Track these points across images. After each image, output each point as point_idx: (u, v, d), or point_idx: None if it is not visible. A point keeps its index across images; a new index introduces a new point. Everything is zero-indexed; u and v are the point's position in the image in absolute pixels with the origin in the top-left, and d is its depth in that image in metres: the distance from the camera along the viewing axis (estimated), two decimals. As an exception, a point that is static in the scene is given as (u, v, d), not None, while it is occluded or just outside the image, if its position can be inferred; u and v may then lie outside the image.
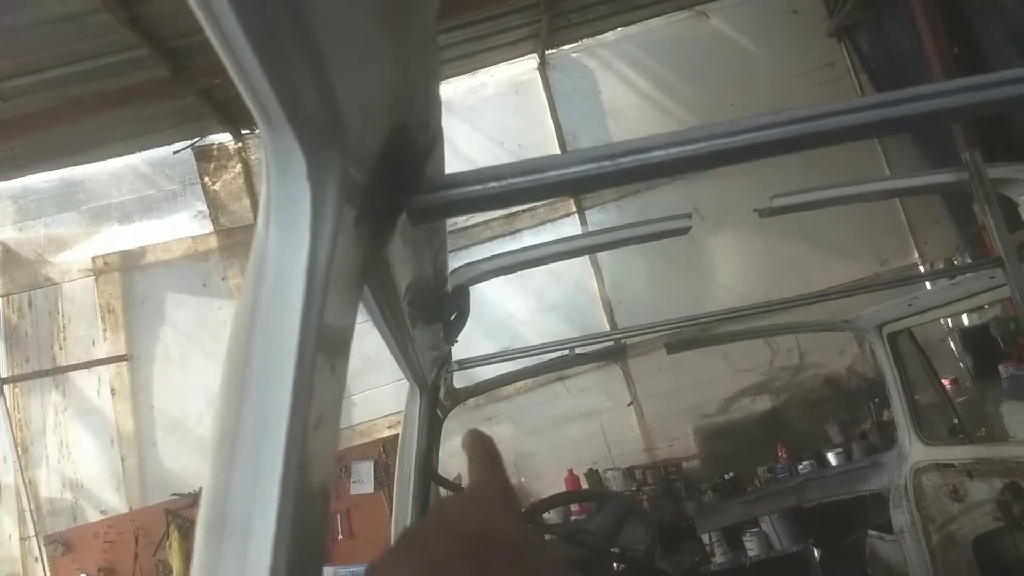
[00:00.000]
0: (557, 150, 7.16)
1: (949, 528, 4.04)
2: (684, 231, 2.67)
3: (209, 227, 7.60)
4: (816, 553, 5.68)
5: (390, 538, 3.01)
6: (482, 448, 0.68)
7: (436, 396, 2.81)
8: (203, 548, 0.58)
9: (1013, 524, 3.51)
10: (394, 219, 0.88)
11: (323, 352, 0.65)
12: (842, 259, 6.67)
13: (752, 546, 6.00)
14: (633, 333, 4.60)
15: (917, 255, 7.14)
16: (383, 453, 6.81)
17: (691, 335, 4.95)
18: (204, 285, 7.54)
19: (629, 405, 6.99)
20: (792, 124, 0.88)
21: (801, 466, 6.25)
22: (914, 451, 4.05)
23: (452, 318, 1.90)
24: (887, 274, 6.61)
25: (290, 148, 0.61)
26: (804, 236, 6.75)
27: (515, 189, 0.88)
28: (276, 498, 0.58)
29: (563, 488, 6.23)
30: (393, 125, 0.77)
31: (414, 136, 0.84)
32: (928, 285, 5.99)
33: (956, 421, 4.25)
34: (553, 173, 0.86)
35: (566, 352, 4.30)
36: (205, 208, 7.63)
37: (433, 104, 0.88)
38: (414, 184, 0.88)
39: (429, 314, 1.72)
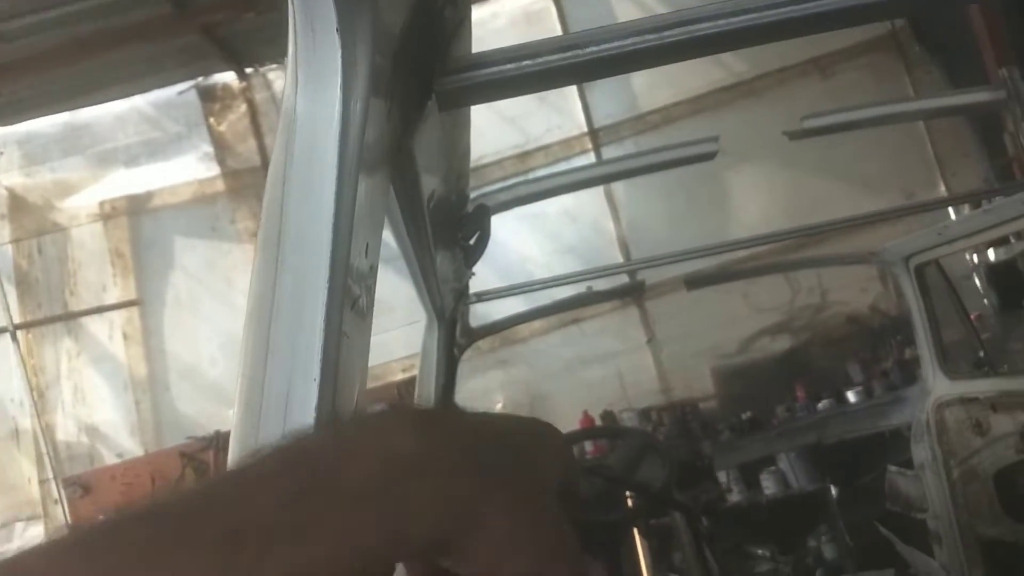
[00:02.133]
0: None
1: (971, 462, 4.03)
2: (711, 156, 2.60)
3: (216, 169, 7.53)
4: (833, 492, 5.73)
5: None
6: None
7: (453, 330, 2.79)
8: (241, 422, 0.57)
9: (1037, 456, 3.52)
10: (423, 103, 0.85)
11: (359, 228, 0.62)
12: (868, 194, 6.45)
13: (769, 484, 6.01)
14: (652, 263, 4.56)
15: (944, 188, 7.00)
16: (398, 395, 6.85)
17: (712, 271, 4.91)
18: (213, 229, 7.51)
19: (648, 342, 6.99)
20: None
21: (820, 405, 6.23)
22: (938, 385, 4.02)
23: (473, 240, 1.87)
24: (907, 204, 6.49)
25: (319, -4, 0.59)
26: (829, 171, 6.62)
27: (552, 67, 0.83)
28: (316, 375, 0.56)
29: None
30: (422, -13, 0.73)
31: (442, 6, 0.80)
32: (952, 216, 5.92)
33: (982, 354, 4.21)
34: (593, 49, 0.81)
35: (584, 288, 4.28)
36: (211, 150, 7.55)
37: (461, -27, 0.84)
38: (442, 64, 0.84)
39: (449, 235, 1.70)
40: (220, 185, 7.54)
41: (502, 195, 2.57)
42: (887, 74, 7.03)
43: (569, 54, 0.81)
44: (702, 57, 0.82)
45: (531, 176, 6.27)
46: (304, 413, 0.55)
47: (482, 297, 3.28)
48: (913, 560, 3.37)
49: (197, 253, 7.48)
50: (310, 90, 0.60)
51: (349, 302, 0.60)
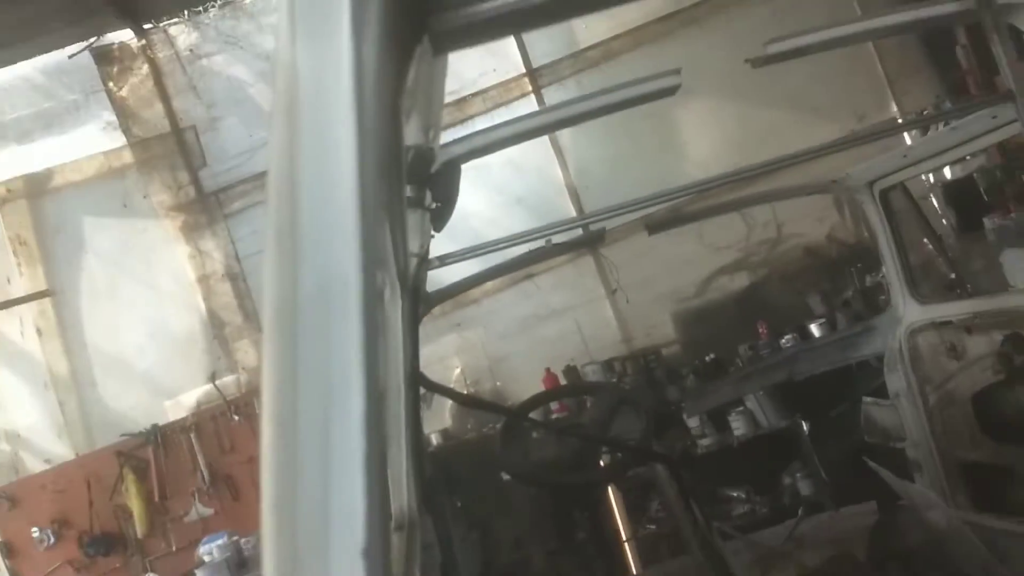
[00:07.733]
0: None
1: (947, 387, 4.17)
2: (673, 91, 2.57)
3: (121, 139, 7.17)
4: (805, 426, 5.91)
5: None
6: None
7: (417, 298, 2.74)
8: (274, 445, 0.51)
9: (1014, 375, 3.64)
10: (413, 46, 0.78)
11: (384, 205, 0.60)
12: (819, 120, 6.51)
13: (738, 425, 6.17)
14: (609, 214, 4.52)
15: (896, 108, 7.12)
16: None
17: (669, 214, 4.92)
18: (124, 206, 7.20)
19: (614, 293, 6.95)
20: None
21: (784, 341, 6.34)
22: (909, 311, 4.14)
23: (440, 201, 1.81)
24: (865, 129, 6.58)
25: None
26: (778, 101, 6.65)
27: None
28: (358, 387, 0.50)
29: (541, 389, 6.31)
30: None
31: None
32: (907, 139, 6.03)
33: (953, 276, 4.34)
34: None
35: (542, 243, 4.24)
36: (114, 118, 7.18)
37: None
38: (437, 1, 0.78)
39: (418, 195, 1.64)
40: (128, 157, 7.19)
41: (457, 147, 2.49)
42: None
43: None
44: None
45: (488, 126, 6.14)
46: (347, 435, 0.49)
47: (445, 261, 3.21)
48: (906, 491, 3.49)
49: (110, 234, 7.16)
50: (313, 39, 0.53)
51: (379, 290, 0.57)
